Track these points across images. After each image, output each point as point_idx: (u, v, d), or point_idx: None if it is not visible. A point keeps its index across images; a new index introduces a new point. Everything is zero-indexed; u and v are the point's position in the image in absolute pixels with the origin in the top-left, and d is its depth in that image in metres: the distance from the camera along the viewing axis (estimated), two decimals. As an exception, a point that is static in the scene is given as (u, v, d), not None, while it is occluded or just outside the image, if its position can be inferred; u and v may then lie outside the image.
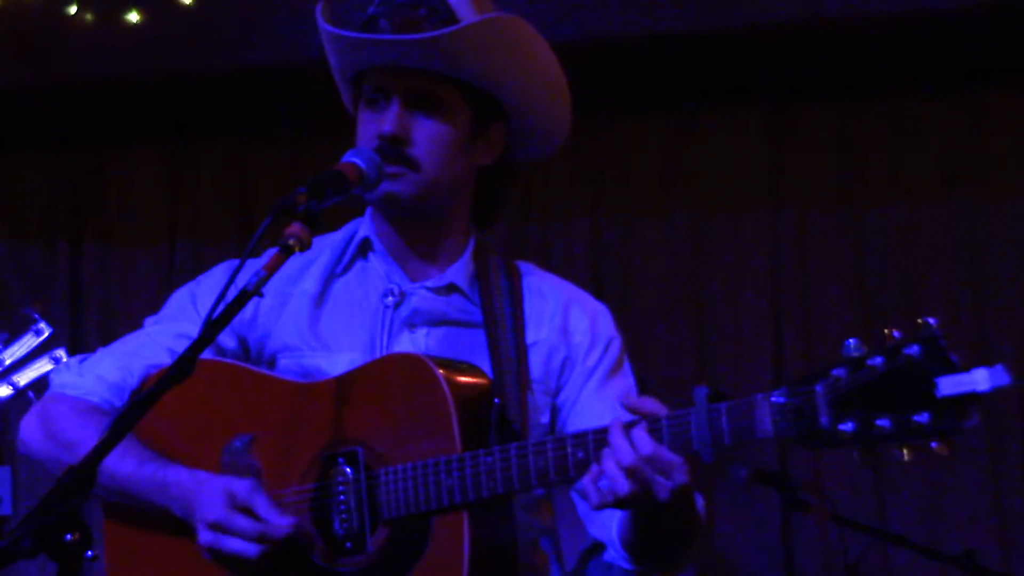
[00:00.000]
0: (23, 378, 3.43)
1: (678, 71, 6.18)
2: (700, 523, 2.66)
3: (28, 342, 3.45)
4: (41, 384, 3.40)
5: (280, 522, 2.62)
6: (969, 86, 6.34)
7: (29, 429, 2.94)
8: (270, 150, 6.71)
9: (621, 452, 2.43)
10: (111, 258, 6.81)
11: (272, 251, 2.59)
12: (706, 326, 6.45)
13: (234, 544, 2.63)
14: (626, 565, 2.77)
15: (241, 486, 2.66)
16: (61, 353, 3.44)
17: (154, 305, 6.37)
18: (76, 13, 5.92)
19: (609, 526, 2.76)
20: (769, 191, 6.50)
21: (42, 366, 3.45)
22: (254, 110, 6.49)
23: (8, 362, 3.42)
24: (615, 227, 6.57)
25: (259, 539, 2.62)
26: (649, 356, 6.19)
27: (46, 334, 3.46)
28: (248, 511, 2.64)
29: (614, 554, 2.78)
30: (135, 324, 6.32)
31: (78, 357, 3.00)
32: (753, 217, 6.49)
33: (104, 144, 6.79)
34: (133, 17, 5.89)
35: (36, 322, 3.45)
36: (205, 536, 2.66)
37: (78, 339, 6.74)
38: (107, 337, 6.49)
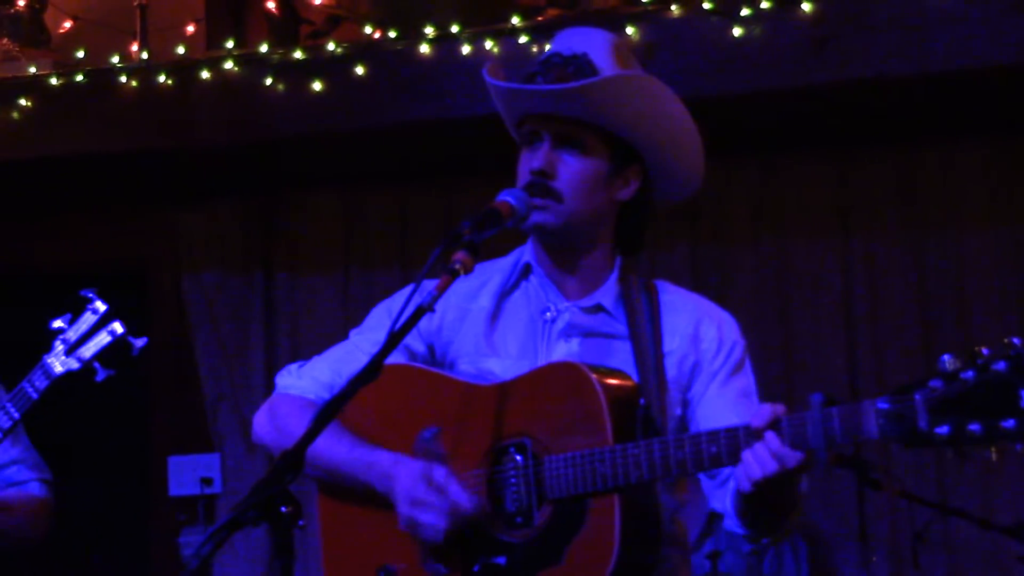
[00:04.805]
0: (87, 351, 3.35)
1: (764, 123, 6.17)
2: (803, 498, 2.67)
3: (88, 319, 3.36)
4: (103, 355, 3.35)
5: (468, 502, 2.66)
6: (1011, 135, 6.27)
7: (260, 423, 2.99)
8: (427, 194, 6.73)
9: (755, 460, 2.46)
10: (298, 285, 6.85)
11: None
12: (790, 334, 6.43)
13: (428, 518, 2.66)
14: (740, 531, 2.77)
15: (438, 472, 2.69)
16: (117, 326, 3.33)
17: (333, 324, 6.55)
18: (271, 83, 6.01)
19: (725, 499, 2.76)
20: (841, 222, 6.46)
21: (101, 340, 3.35)
22: (415, 160, 6.51)
23: (74, 339, 3.36)
24: (711, 253, 6.55)
25: (450, 514, 2.65)
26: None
27: (103, 310, 3.37)
28: (442, 491, 2.67)
29: (730, 522, 2.78)
30: (318, 339, 6.48)
31: (297, 363, 3.02)
32: (828, 244, 6.46)
33: (292, 191, 6.85)
34: (316, 85, 5.95)
35: (92, 301, 3.36)
36: (404, 509, 2.69)
37: (272, 351, 6.83)
38: (295, 350, 6.70)
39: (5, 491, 3.63)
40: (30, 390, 3.36)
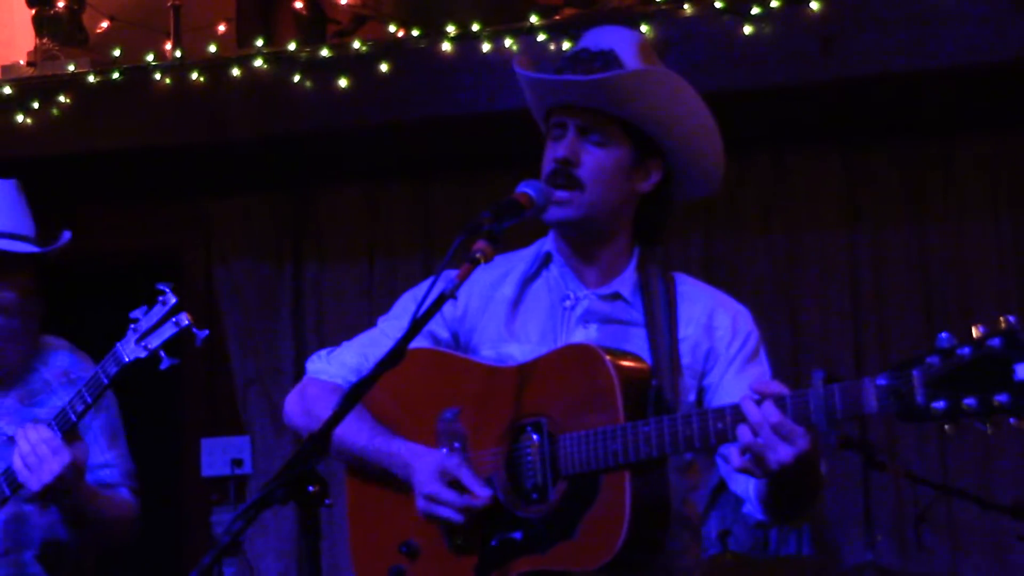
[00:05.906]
0: (154, 341, 3.38)
1: (774, 119, 6.17)
2: (823, 484, 2.66)
3: (158, 311, 3.40)
4: (168, 345, 3.39)
5: (482, 494, 2.68)
6: (1013, 130, 6.25)
7: (290, 407, 3.01)
8: (449, 186, 6.73)
9: (754, 419, 2.45)
10: (324, 274, 6.85)
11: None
12: (798, 323, 6.40)
13: (444, 512, 2.69)
14: (761, 517, 2.77)
15: (451, 462, 2.71)
16: (183, 318, 3.37)
17: (358, 312, 6.56)
18: (299, 80, 6.02)
19: (747, 485, 2.76)
20: (848, 214, 6.43)
21: (167, 330, 3.38)
22: (437, 154, 6.52)
23: (144, 329, 3.38)
24: (723, 244, 6.54)
25: (464, 510, 2.68)
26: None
27: (172, 303, 3.39)
28: (456, 483, 2.69)
29: (751, 508, 2.78)
30: (343, 326, 6.50)
31: (327, 349, 3.04)
32: (835, 235, 6.43)
33: (319, 183, 6.85)
34: (343, 82, 5.96)
35: (165, 294, 3.39)
36: (421, 504, 2.72)
37: (299, 338, 6.82)
38: (322, 336, 6.71)
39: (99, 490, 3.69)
40: (102, 375, 3.42)
